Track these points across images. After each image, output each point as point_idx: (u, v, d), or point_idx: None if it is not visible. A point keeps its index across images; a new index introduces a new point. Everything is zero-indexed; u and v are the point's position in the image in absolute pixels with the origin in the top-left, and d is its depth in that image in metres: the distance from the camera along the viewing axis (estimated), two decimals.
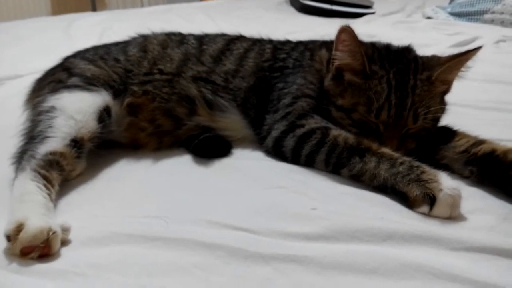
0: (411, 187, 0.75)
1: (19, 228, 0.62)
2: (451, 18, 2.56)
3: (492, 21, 2.37)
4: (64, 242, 0.66)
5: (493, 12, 2.40)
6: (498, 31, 2.13)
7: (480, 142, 0.87)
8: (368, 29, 2.04)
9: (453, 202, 0.73)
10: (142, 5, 3.99)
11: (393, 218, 0.72)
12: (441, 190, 0.73)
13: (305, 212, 0.73)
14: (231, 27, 1.27)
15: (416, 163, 0.78)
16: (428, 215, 0.73)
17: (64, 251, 0.65)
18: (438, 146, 0.90)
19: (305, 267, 0.61)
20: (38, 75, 1.12)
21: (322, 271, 0.61)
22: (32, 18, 2.82)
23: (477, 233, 0.69)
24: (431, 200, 0.73)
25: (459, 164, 0.87)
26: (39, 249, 0.62)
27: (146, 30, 1.19)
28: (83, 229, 0.69)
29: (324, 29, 2.17)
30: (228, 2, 3.29)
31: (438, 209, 0.73)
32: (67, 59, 1.11)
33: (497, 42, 1.94)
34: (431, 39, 1.95)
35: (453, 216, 0.73)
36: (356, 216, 0.72)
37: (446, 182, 0.74)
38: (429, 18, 2.60)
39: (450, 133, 0.92)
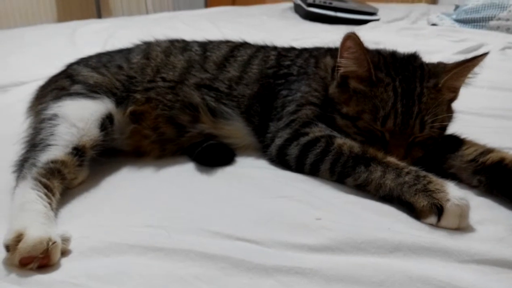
0: (418, 197, 0.73)
1: (18, 238, 0.61)
2: (457, 24, 2.55)
3: (497, 28, 2.36)
4: (64, 253, 0.65)
5: (499, 19, 2.39)
6: (504, 38, 2.11)
7: (489, 151, 0.86)
8: (372, 36, 2.03)
9: (461, 212, 0.71)
10: (147, 12, 4.02)
11: (400, 229, 0.70)
12: (448, 200, 0.71)
13: (309, 222, 0.71)
14: (235, 34, 1.26)
15: (423, 173, 0.77)
16: (436, 226, 0.72)
17: (64, 261, 0.63)
18: (445, 155, 0.89)
19: (310, 279, 0.60)
20: (42, 82, 1.12)
21: (327, 284, 0.59)
22: (38, 25, 2.84)
23: (487, 244, 0.68)
24: (438, 210, 0.71)
25: (467, 174, 0.85)
26: (38, 260, 0.61)
27: (150, 37, 1.18)
28: (84, 239, 0.68)
29: (328, 35, 2.16)
30: (233, 9, 3.30)
31: (446, 219, 0.71)
32: (70, 66, 1.11)
33: (503, 48, 1.93)
34: (436, 46, 1.94)
35: (462, 227, 0.72)
36: (362, 226, 0.70)
37: (453, 192, 0.73)
38: (434, 25, 2.59)
39: (457, 142, 0.91)
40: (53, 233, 0.64)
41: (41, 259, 0.61)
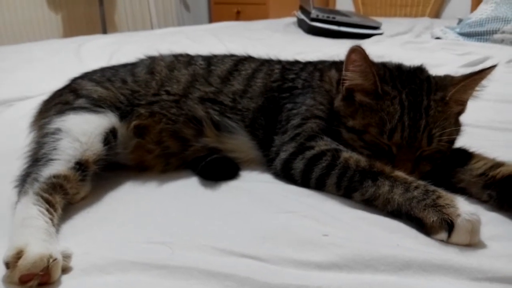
0: (427, 212, 0.71)
1: (18, 254, 0.60)
2: (460, 38, 2.55)
3: (502, 41, 2.36)
4: (65, 270, 0.63)
5: (503, 32, 2.39)
6: (509, 51, 2.11)
7: (499, 164, 0.84)
8: (376, 50, 2.02)
9: (472, 228, 0.69)
10: (152, 28, 4.06)
11: (409, 245, 0.68)
12: (459, 215, 0.69)
13: (316, 238, 0.70)
14: (240, 48, 1.26)
15: (432, 187, 0.75)
16: (446, 242, 0.70)
17: (65, 279, 0.62)
18: (454, 169, 0.87)
19: None
20: (47, 96, 1.12)
21: None
22: (44, 40, 2.87)
23: (499, 261, 0.65)
24: (449, 226, 0.69)
25: (477, 188, 0.84)
26: (38, 277, 0.59)
27: (156, 52, 1.18)
28: (85, 255, 0.66)
29: (332, 49, 2.17)
30: (236, 24, 3.32)
31: (456, 235, 0.69)
32: (74, 80, 1.10)
33: (509, 61, 1.92)
34: (441, 59, 1.94)
35: (473, 243, 0.69)
36: (370, 243, 0.68)
37: (464, 207, 0.71)
38: (438, 38, 2.60)
39: (466, 155, 0.89)
40: (54, 249, 0.62)
41: (41, 277, 0.59)
